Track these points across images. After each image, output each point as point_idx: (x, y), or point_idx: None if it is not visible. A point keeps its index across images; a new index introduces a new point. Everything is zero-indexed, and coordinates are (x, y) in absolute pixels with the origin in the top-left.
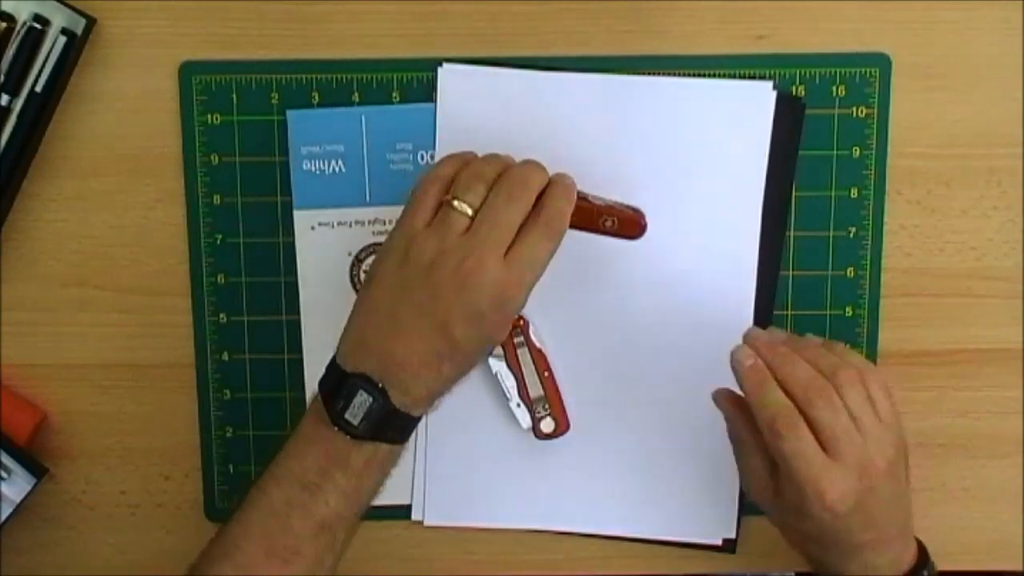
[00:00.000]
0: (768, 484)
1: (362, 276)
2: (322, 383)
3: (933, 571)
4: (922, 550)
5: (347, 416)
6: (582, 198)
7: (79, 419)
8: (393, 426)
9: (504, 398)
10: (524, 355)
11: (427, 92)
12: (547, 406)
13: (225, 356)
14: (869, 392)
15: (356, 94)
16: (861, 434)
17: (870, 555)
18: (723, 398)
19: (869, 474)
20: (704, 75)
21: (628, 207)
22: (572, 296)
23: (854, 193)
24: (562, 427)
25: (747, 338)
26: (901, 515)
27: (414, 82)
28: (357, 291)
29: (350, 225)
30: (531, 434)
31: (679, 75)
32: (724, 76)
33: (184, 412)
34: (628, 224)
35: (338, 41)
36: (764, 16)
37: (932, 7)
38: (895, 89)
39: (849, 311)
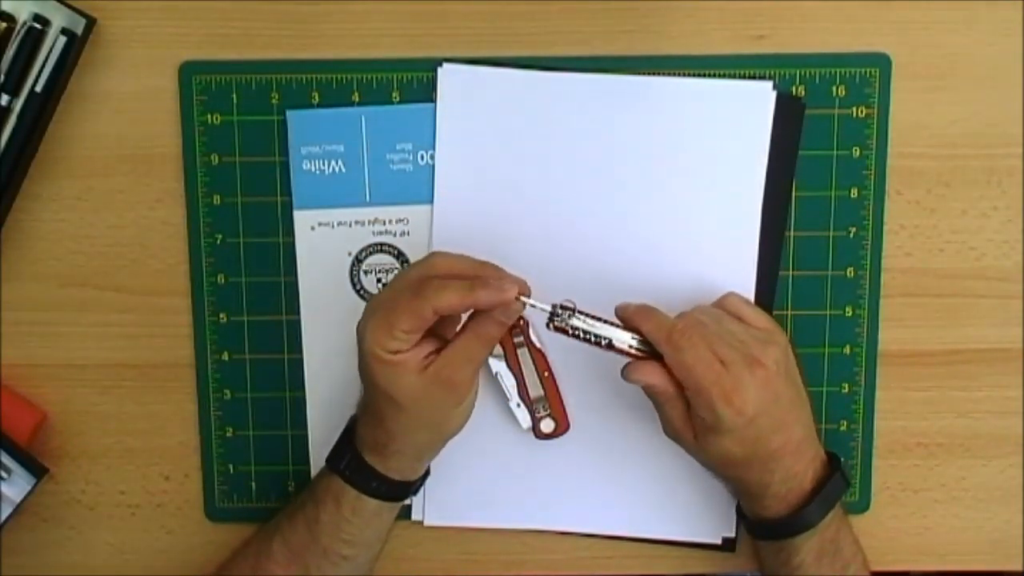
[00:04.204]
0: (686, 424)
1: (362, 276)
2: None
3: (848, 475)
4: (832, 458)
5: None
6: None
7: (79, 419)
8: (349, 463)
9: (504, 398)
10: (524, 355)
11: (427, 92)
12: (547, 406)
13: (225, 356)
14: (735, 313)
15: (356, 94)
16: (739, 340)
17: (789, 460)
18: (633, 369)
19: (758, 372)
20: (704, 75)
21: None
22: (572, 297)
23: (854, 193)
24: (562, 427)
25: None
26: (805, 417)
27: (414, 82)
28: (357, 291)
29: (350, 225)
30: (531, 434)
31: (679, 75)
32: (724, 76)
33: (184, 412)
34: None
35: (338, 41)
36: (764, 16)
37: (932, 7)
38: (895, 89)
39: (849, 311)
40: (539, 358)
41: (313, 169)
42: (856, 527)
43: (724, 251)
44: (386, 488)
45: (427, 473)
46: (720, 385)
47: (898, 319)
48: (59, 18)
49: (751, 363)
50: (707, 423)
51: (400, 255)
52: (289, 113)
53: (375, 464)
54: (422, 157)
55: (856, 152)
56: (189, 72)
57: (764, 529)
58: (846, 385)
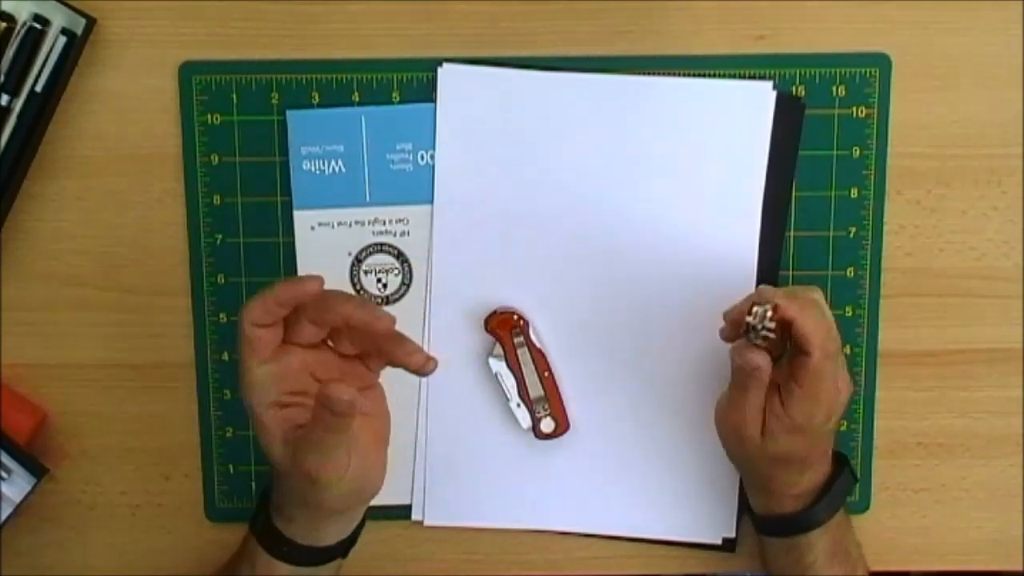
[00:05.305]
0: (758, 414)
1: (362, 276)
2: None
3: (854, 471)
4: (836, 456)
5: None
6: None
7: (79, 419)
8: (263, 524)
9: (504, 398)
10: (524, 355)
11: (427, 92)
12: (547, 406)
13: (225, 356)
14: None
15: (356, 94)
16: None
17: (818, 466)
18: (746, 347)
19: (848, 395)
20: (704, 75)
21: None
22: (572, 297)
23: (854, 193)
24: (562, 427)
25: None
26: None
27: (414, 82)
28: (357, 291)
29: (350, 225)
30: (531, 434)
31: (679, 75)
32: (724, 76)
33: (184, 412)
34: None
35: (338, 41)
36: (764, 16)
37: (932, 7)
38: (895, 89)
39: (849, 311)
40: (539, 358)
41: (313, 169)
42: (856, 527)
43: (724, 251)
44: (296, 553)
45: (354, 537)
46: (838, 401)
47: (898, 319)
48: (59, 18)
49: (848, 388)
50: (795, 422)
51: (400, 255)
52: (289, 113)
53: (280, 527)
54: (422, 157)
55: (856, 152)
56: (189, 72)
57: (775, 525)
58: None
